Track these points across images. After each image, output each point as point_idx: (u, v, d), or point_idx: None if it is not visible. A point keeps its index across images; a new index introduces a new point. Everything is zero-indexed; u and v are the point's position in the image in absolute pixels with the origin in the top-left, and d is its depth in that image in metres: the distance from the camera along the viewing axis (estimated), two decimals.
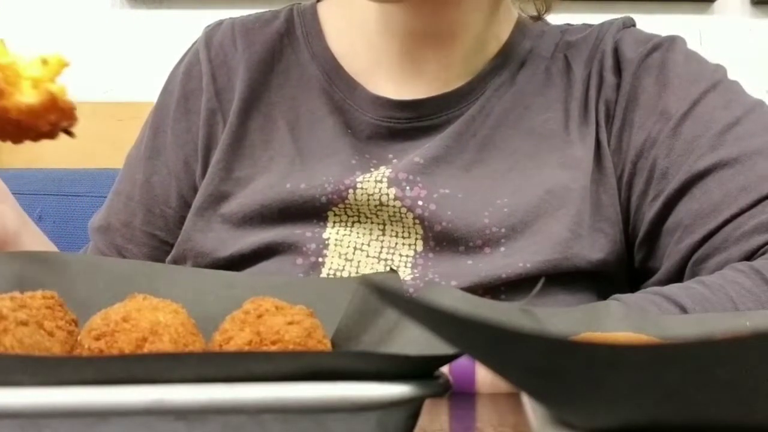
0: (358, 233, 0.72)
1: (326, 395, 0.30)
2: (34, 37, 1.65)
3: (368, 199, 0.72)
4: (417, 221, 0.71)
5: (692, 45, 0.78)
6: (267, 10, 0.85)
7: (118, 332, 0.36)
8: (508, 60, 0.78)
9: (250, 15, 0.85)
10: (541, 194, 0.71)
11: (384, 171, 0.73)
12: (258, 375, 0.30)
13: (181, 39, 0.88)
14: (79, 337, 0.38)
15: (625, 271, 0.74)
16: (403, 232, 0.72)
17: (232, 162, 0.77)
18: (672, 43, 0.76)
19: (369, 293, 0.45)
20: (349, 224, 0.73)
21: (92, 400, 0.29)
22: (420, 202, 0.71)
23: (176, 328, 0.37)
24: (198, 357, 0.31)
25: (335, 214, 0.73)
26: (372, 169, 0.74)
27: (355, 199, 0.72)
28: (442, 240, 0.71)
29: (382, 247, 0.72)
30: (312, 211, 0.73)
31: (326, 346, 0.40)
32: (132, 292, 0.40)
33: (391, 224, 0.72)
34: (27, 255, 0.50)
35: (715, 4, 1.72)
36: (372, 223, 0.73)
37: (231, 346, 0.39)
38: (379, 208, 0.72)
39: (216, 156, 0.78)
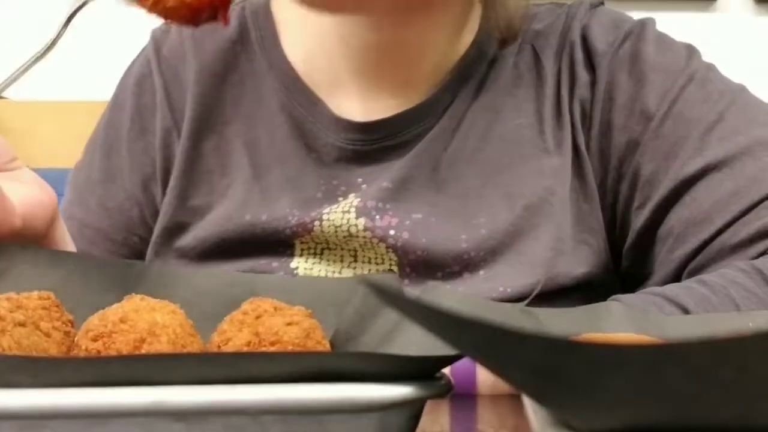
0: (328, 261, 0.69)
1: (327, 396, 0.29)
2: (34, 36, 1.65)
3: (336, 231, 0.67)
4: (390, 250, 0.67)
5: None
6: None
7: (115, 333, 0.36)
8: (477, 63, 0.72)
9: None
10: (519, 212, 0.67)
11: (352, 200, 0.68)
12: (258, 376, 0.29)
13: None
14: (76, 338, 0.38)
15: (612, 278, 0.71)
16: (376, 258, 0.68)
17: (186, 189, 0.72)
18: (642, 29, 0.71)
19: (368, 294, 0.45)
20: (317, 251, 0.69)
21: (92, 402, 0.29)
22: (392, 232, 0.67)
23: (174, 328, 0.37)
24: (198, 358, 0.31)
25: (302, 242, 0.69)
26: (340, 198, 0.69)
27: (322, 231, 0.67)
28: (417, 267, 0.67)
29: (355, 275, 0.68)
30: (276, 243, 0.68)
31: (325, 346, 0.40)
32: (129, 293, 0.40)
33: (363, 251, 0.68)
34: (25, 254, 0.49)
35: (718, 2, 1.72)
36: (343, 249, 0.69)
37: (229, 347, 0.38)
38: (348, 238, 0.68)
39: (170, 183, 0.72)
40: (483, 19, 0.73)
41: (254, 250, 0.69)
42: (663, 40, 0.71)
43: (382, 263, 0.68)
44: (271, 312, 0.39)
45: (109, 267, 0.49)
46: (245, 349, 0.38)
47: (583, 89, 0.70)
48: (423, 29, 0.69)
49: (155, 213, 0.74)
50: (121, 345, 0.36)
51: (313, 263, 0.69)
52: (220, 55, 0.75)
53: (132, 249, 0.75)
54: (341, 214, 0.68)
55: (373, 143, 0.71)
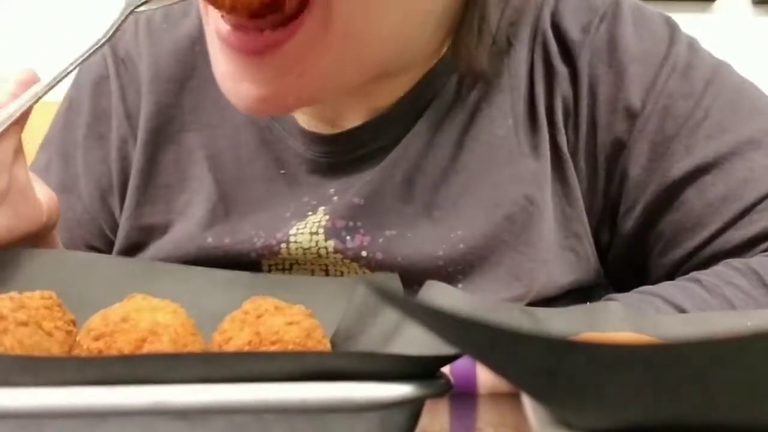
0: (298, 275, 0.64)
1: (328, 395, 0.30)
2: (35, 36, 1.65)
3: (304, 253, 0.63)
4: (364, 270, 0.63)
5: None
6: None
7: (117, 332, 0.36)
8: (450, 70, 0.65)
9: (157, 10, 0.71)
10: (498, 221, 0.63)
11: (320, 218, 0.63)
12: (260, 375, 0.30)
13: None
14: (78, 338, 0.38)
15: (602, 284, 0.69)
16: (349, 273, 0.64)
17: (143, 206, 0.67)
18: (616, 8, 0.65)
19: (369, 293, 0.45)
20: (286, 266, 0.64)
21: (94, 401, 0.29)
22: (364, 253, 0.62)
23: (176, 328, 0.37)
24: (199, 357, 0.31)
25: (268, 259, 0.64)
26: (309, 213, 0.64)
27: (289, 253, 0.63)
28: None
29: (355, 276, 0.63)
30: (240, 265, 0.61)
31: (326, 346, 0.40)
32: (131, 292, 0.40)
33: (335, 267, 0.64)
34: (26, 253, 0.50)
35: (716, 3, 1.72)
36: (313, 264, 0.64)
37: (230, 347, 0.39)
38: (317, 260, 0.63)
39: (126, 201, 0.68)
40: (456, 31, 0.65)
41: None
42: (641, 17, 0.66)
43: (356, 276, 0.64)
44: (271, 311, 0.39)
45: (110, 266, 0.49)
46: (246, 348, 0.38)
47: (564, 85, 0.65)
48: (390, 80, 0.64)
49: (114, 226, 0.70)
50: (123, 344, 0.36)
51: None
52: (179, 56, 0.69)
53: None
54: (309, 235, 0.63)
55: (345, 154, 0.65)
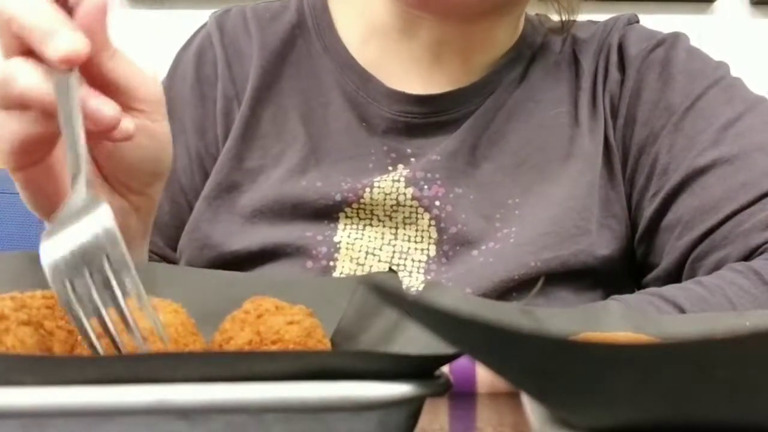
0: (369, 237, 0.72)
1: (328, 395, 0.30)
2: None
3: (385, 198, 0.72)
4: (432, 223, 0.72)
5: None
6: (274, 0, 0.85)
7: (118, 332, 0.36)
8: (521, 55, 0.79)
9: (259, 4, 0.84)
10: (549, 191, 0.71)
11: (402, 171, 0.73)
12: (260, 374, 0.30)
13: (181, 39, 0.88)
14: (79, 337, 0.38)
15: (629, 269, 0.74)
16: (415, 236, 0.72)
17: (243, 152, 0.77)
18: (675, 39, 0.76)
19: (369, 293, 0.45)
20: (360, 227, 0.72)
21: (95, 400, 0.29)
22: (437, 203, 0.72)
23: (176, 327, 0.37)
24: (201, 356, 0.31)
25: (347, 216, 0.72)
26: (390, 168, 0.74)
27: (371, 198, 0.72)
28: (455, 244, 0.71)
29: (394, 252, 0.72)
30: (324, 210, 0.72)
31: (326, 345, 0.40)
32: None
33: (404, 228, 0.72)
34: (26, 255, 0.50)
35: (715, 4, 1.72)
36: (384, 226, 0.73)
37: (231, 346, 0.39)
38: (394, 208, 0.72)
39: (227, 144, 0.77)
40: (527, 19, 0.80)
41: (303, 217, 0.72)
42: (695, 51, 0.76)
43: (421, 241, 0.72)
44: (272, 311, 0.39)
45: None
46: (247, 348, 0.38)
47: (613, 85, 0.75)
48: (489, 26, 0.76)
49: (214, 165, 0.78)
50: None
51: (356, 238, 0.72)
52: (281, 35, 0.81)
53: (179, 208, 0.78)
54: (391, 182, 0.72)
55: (424, 117, 0.76)
